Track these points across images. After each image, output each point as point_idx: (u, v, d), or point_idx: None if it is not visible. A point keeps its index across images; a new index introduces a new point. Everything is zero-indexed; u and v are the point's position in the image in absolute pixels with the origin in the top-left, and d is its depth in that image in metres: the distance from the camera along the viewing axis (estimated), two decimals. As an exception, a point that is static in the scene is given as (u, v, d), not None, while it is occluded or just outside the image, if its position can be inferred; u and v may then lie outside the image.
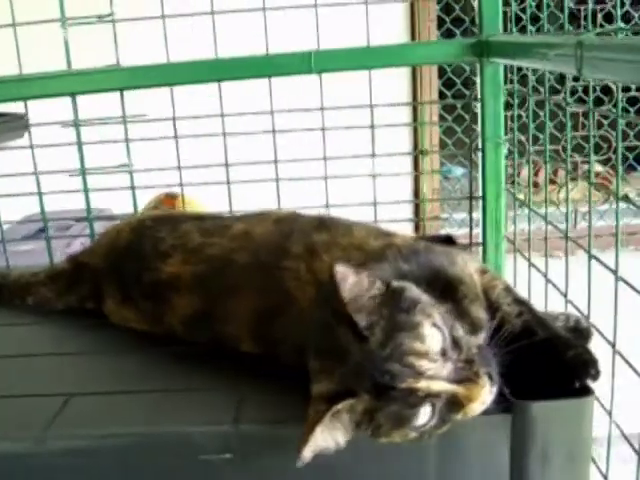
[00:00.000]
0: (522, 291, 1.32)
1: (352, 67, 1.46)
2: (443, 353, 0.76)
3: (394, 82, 2.80)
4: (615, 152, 3.10)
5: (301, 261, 0.96)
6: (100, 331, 1.15)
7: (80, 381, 1.00)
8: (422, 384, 0.73)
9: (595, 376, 0.86)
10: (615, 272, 1.01)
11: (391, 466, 0.86)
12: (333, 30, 1.64)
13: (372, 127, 1.50)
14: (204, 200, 1.73)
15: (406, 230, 1.60)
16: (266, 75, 1.45)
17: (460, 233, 2.25)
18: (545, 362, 0.88)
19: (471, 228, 1.57)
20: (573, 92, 2.88)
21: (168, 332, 1.08)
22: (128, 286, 1.14)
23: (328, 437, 0.75)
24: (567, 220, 1.21)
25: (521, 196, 2.65)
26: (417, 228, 2.56)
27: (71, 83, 1.49)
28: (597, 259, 1.07)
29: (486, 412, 0.84)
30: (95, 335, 1.15)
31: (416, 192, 2.79)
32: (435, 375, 0.74)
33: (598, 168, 3.21)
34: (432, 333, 0.76)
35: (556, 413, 0.84)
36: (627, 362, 1.01)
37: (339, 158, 1.51)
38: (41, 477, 0.86)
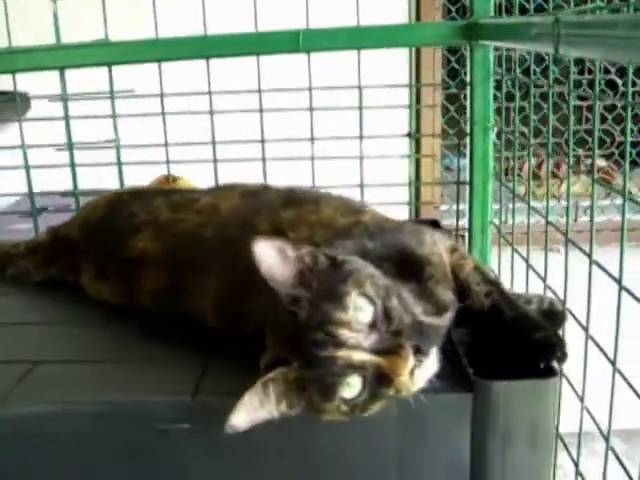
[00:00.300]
0: (507, 279, 1.33)
1: (341, 47, 1.45)
2: (373, 324, 0.75)
3: (397, 65, 2.75)
4: (618, 146, 3.08)
5: None
6: (74, 303, 1.15)
7: (47, 350, 1.00)
8: (342, 353, 0.72)
9: (561, 358, 0.85)
10: (589, 255, 1.00)
11: (351, 444, 0.85)
12: (331, 11, 1.63)
13: (360, 108, 1.49)
14: (191, 178, 1.73)
15: (405, 215, 1.60)
16: (254, 53, 1.44)
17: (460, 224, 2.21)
18: (512, 342, 0.87)
19: (458, 213, 1.56)
20: (578, 85, 2.85)
21: (140, 307, 1.07)
22: (101, 260, 1.14)
23: (259, 406, 0.74)
24: (547, 210, 1.19)
25: (522, 189, 2.63)
26: (417, 213, 2.53)
27: (60, 57, 1.48)
28: (575, 244, 1.07)
29: (447, 390, 0.84)
30: (68, 307, 1.15)
31: (417, 177, 2.75)
32: (356, 345, 0.73)
33: (601, 162, 3.19)
34: (360, 303, 0.75)
35: (518, 393, 0.83)
36: (599, 347, 1.00)
37: (326, 139, 1.50)
38: (1, 440, 0.86)
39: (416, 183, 1.59)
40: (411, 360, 0.74)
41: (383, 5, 2.57)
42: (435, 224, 1.44)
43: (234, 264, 0.95)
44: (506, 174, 1.69)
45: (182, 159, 1.55)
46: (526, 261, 1.27)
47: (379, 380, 0.74)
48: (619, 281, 0.91)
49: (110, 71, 1.49)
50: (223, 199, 1.07)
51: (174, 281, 1.02)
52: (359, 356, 0.73)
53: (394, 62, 2.35)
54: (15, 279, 1.27)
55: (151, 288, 1.04)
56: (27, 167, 1.55)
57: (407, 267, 0.86)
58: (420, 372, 0.75)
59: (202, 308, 0.98)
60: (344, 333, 0.73)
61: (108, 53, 1.48)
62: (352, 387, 0.74)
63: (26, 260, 1.28)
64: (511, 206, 1.39)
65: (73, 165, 1.54)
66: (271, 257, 0.76)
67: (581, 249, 1.02)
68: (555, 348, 0.85)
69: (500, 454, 0.84)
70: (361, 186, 1.52)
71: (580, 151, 2.98)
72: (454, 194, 1.57)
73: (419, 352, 0.75)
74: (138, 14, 1.51)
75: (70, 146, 1.52)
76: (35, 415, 0.86)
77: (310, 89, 1.48)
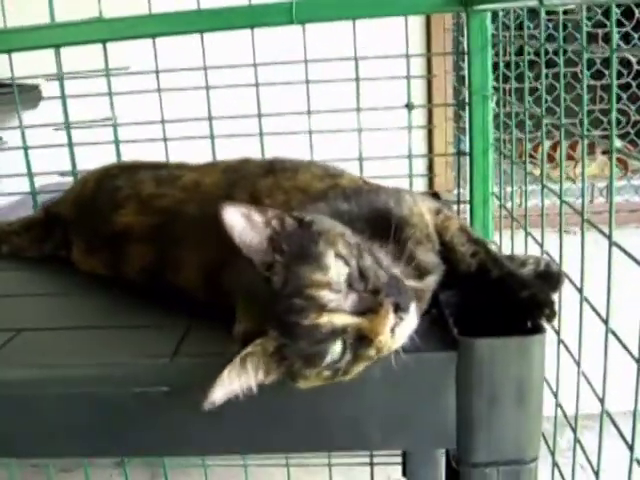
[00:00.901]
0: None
1: (335, 17, 1.42)
2: (349, 284, 0.72)
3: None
4: (633, 125, 3.03)
5: None
6: (63, 276, 1.16)
7: (32, 319, 1.00)
8: (324, 319, 0.69)
9: (550, 317, 0.83)
10: (582, 213, 0.97)
11: (335, 404, 0.83)
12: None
13: (357, 80, 1.47)
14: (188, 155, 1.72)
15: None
16: (247, 26, 1.43)
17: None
18: (499, 302, 0.85)
19: (459, 185, 1.53)
20: (589, 66, 2.80)
21: (128, 281, 1.06)
22: (90, 235, 1.14)
23: (236, 381, 0.71)
24: (542, 172, 1.16)
25: (537, 172, 2.59)
26: (431, 184, 2.49)
27: (54, 35, 1.48)
28: (567, 203, 1.04)
29: (432, 349, 0.82)
30: (57, 280, 1.16)
31: (430, 149, 2.72)
32: (337, 307, 0.70)
33: (616, 143, 3.13)
34: (336, 263, 0.72)
35: (502, 350, 0.80)
36: (594, 309, 0.97)
37: (322, 112, 1.48)
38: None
39: (414, 156, 1.54)
40: (391, 318, 0.71)
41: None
42: (435, 197, 1.42)
43: (214, 239, 0.94)
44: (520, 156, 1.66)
45: (179, 136, 1.54)
46: (525, 229, 1.24)
47: (360, 341, 0.72)
48: (609, 236, 0.88)
49: (105, 48, 1.48)
50: (206, 175, 1.07)
51: (159, 257, 1.01)
52: (341, 319, 0.70)
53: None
54: (9, 256, 1.27)
55: (138, 263, 1.04)
56: (25, 147, 1.55)
57: (384, 228, 0.83)
58: (401, 329, 0.73)
59: (187, 283, 0.97)
60: (325, 295, 0.70)
61: (102, 30, 1.47)
62: (334, 351, 0.71)
63: (20, 237, 1.29)
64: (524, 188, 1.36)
65: (71, 144, 1.53)
66: (240, 224, 0.73)
67: (572, 207, 1.00)
68: (542, 306, 0.83)
69: (486, 412, 0.82)
70: (360, 159, 1.50)
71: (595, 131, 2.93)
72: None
73: (399, 309, 0.72)
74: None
75: (67, 125, 1.52)
76: (16, 379, 0.85)
77: (305, 61, 1.46)
